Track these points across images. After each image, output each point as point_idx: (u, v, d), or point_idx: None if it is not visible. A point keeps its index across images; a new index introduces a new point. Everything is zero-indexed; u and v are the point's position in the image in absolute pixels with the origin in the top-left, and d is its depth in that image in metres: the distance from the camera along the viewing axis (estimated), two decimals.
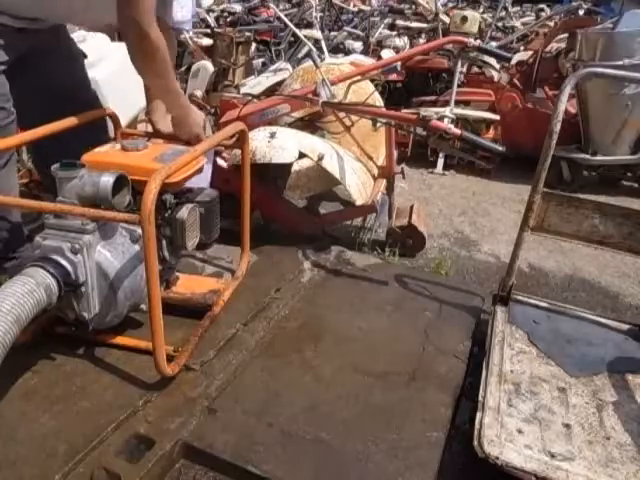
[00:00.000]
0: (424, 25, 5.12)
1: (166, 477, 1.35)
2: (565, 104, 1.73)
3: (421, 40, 5.23)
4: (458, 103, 3.77)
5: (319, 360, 1.75)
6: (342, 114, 2.65)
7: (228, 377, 1.64)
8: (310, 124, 2.89)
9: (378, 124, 2.56)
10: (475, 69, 4.45)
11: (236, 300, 2.01)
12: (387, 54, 4.70)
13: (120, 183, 1.57)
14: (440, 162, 4.26)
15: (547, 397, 1.57)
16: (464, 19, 3.76)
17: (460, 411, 1.58)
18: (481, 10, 6.22)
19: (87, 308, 1.56)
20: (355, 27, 5.64)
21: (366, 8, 6.07)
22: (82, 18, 1.94)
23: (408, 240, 2.68)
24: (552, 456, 1.35)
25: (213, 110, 3.68)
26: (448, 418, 1.55)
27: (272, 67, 4.18)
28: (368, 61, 3.99)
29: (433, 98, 4.19)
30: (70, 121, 1.91)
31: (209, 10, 5.54)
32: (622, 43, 3.50)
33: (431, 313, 2.06)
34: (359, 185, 2.57)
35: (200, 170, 1.89)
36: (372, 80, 3.11)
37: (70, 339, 1.72)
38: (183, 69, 4.64)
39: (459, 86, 3.75)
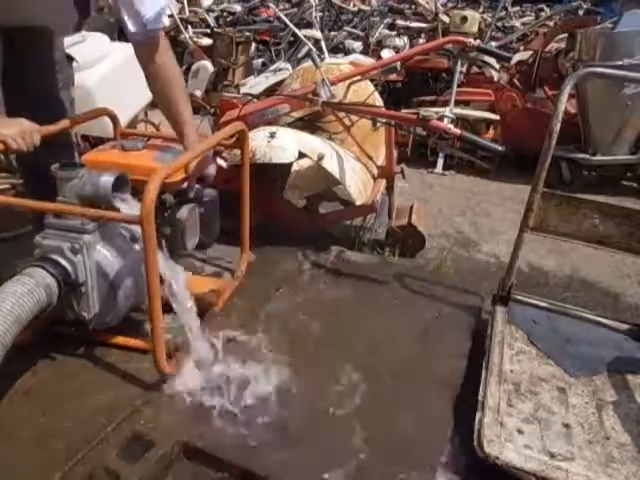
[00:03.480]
0: (424, 25, 5.12)
1: (166, 477, 1.35)
2: (565, 104, 1.73)
3: (421, 40, 5.22)
4: (458, 103, 3.77)
5: (319, 360, 1.75)
6: (342, 114, 2.65)
7: (228, 377, 1.64)
8: (310, 124, 2.89)
9: (378, 124, 2.56)
10: (475, 69, 4.45)
11: (236, 300, 2.01)
12: (387, 54, 4.70)
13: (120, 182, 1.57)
14: (440, 162, 4.25)
15: (547, 397, 1.57)
16: (464, 19, 3.77)
17: (460, 411, 1.58)
18: (481, 10, 6.21)
19: (87, 308, 1.56)
20: (355, 27, 5.64)
21: (366, 8, 6.06)
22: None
23: (408, 240, 2.68)
24: (552, 456, 1.35)
25: (213, 110, 3.68)
26: (448, 418, 1.55)
27: (272, 67, 4.18)
28: (368, 61, 3.98)
29: (433, 98, 4.19)
30: (69, 121, 1.91)
31: (209, 10, 5.54)
32: (622, 43, 3.50)
33: (431, 313, 2.06)
34: (359, 185, 2.57)
35: None
36: (372, 80, 3.10)
37: (70, 339, 1.71)
38: (183, 69, 4.65)
39: (459, 86, 3.75)
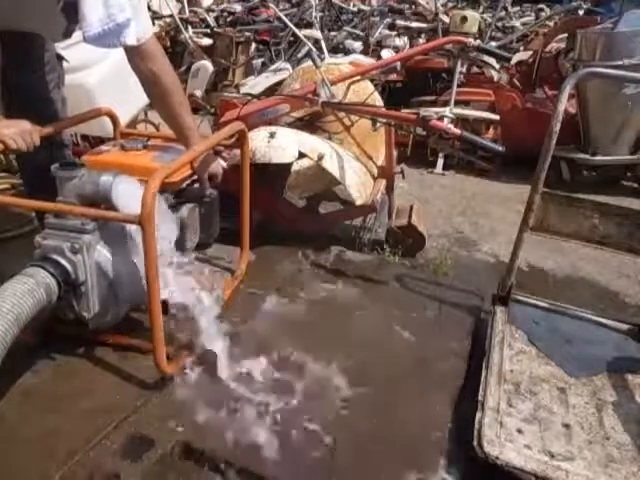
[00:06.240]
0: (424, 25, 5.12)
1: (166, 477, 1.35)
2: (565, 104, 1.73)
3: (421, 40, 5.22)
4: (458, 103, 3.76)
5: (319, 360, 1.75)
6: (342, 114, 2.65)
7: (228, 376, 1.64)
8: (310, 124, 2.89)
9: (378, 124, 2.56)
10: (475, 69, 4.45)
11: (236, 300, 2.01)
12: (387, 54, 4.69)
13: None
14: (440, 162, 4.25)
15: (547, 397, 1.57)
16: (464, 19, 3.75)
17: (460, 411, 1.58)
18: (481, 10, 6.21)
19: (87, 308, 1.56)
20: (355, 27, 5.63)
21: (366, 8, 6.06)
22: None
23: (408, 240, 2.68)
24: (552, 456, 1.35)
25: (213, 110, 3.68)
26: (448, 418, 1.55)
27: (272, 67, 4.18)
28: (368, 61, 3.98)
29: (433, 98, 4.19)
30: (67, 122, 1.92)
31: (209, 10, 5.54)
32: (622, 43, 3.50)
33: (431, 313, 2.06)
34: (359, 185, 2.57)
35: None
36: (372, 80, 3.10)
37: (70, 339, 1.72)
38: (183, 69, 4.65)
39: (459, 86, 3.74)
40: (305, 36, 4.31)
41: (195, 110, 3.66)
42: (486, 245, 3.06)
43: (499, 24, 5.99)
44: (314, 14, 4.91)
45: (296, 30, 4.38)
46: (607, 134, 3.81)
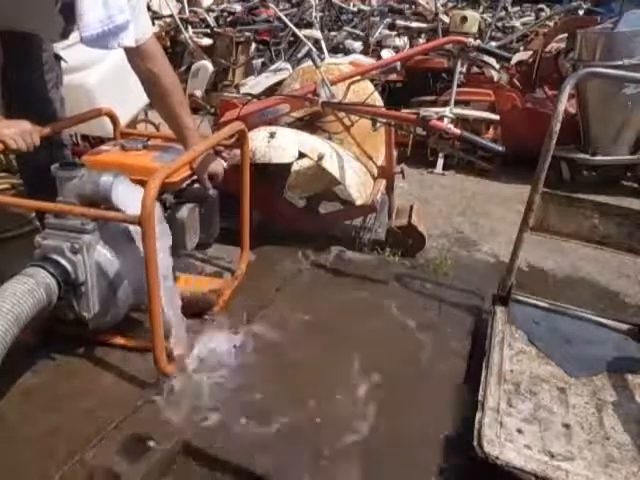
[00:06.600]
0: (424, 25, 5.12)
1: (166, 477, 1.35)
2: (565, 104, 1.73)
3: (421, 40, 5.22)
4: (458, 103, 3.76)
5: (319, 360, 1.75)
6: (342, 114, 2.65)
7: (228, 377, 1.64)
8: (310, 124, 2.89)
9: (378, 124, 2.56)
10: (475, 69, 4.45)
11: (236, 300, 2.01)
12: (387, 54, 4.69)
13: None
14: (440, 162, 4.26)
15: (547, 397, 1.57)
16: (464, 19, 3.75)
17: (460, 411, 1.58)
18: (481, 10, 6.21)
19: (87, 308, 1.56)
20: (355, 27, 5.63)
21: (366, 8, 6.06)
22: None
23: (408, 240, 2.68)
24: (552, 456, 1.35)
25: (213, 110, 3.68)
26: (448, 418, 1.55)
27: (272, 67, 4.18)
28: (368, 61, 3.98)
29: (433, 98, 4.19)
30: (67, 122, 1.92)
31: (209, 10, 5.54)
32: (622, 43, 3.50)
33: (431, 313, 2.06)
34: (359, 185, 2.57)
35: None
36: (372, 80, 3.10)
37: (70, 339, 1.72)
38: (183, 69, 4.65)
39: (459, 86, 3.74)
40: (305, 36, 4.31)
41: (195, 110, 3.66)
42: (486, 245, 3.06)
43: (499, 24, 5.99)
44: (314, 14, 4.91)
45: (296, 30, 4.38)
46: (607, 134, 3.81)
